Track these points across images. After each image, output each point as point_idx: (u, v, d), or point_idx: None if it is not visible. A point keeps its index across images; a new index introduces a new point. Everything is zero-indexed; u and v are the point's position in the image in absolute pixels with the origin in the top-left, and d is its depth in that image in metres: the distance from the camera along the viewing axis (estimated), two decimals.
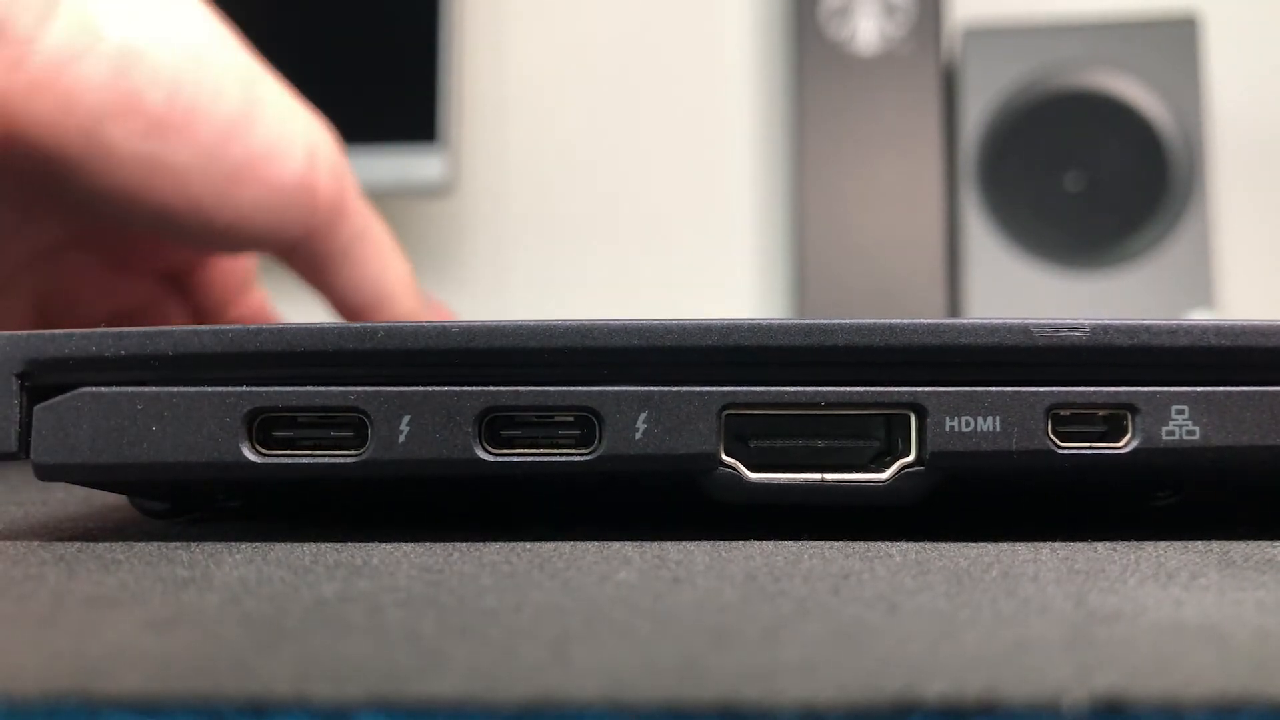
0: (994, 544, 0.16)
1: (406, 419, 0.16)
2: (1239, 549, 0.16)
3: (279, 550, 0.16)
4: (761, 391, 0.16)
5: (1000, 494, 0.18)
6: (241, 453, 0.16)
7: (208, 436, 0.16)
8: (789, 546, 0.16)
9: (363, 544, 0.16)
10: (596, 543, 0.17)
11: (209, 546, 0.16)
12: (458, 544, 0.16)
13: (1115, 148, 0.72)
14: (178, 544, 0.17)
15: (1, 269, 0.28)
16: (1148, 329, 0.16)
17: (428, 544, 0.17)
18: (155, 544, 0.17)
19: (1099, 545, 0.16)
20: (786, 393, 0.16)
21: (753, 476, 0.16)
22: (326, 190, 0.27)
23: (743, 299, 0.83)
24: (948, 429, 0.16)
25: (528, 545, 0.16)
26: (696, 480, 0.16)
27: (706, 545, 0.16)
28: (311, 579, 0.14)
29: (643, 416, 0.16)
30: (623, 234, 0.85)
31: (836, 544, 0.16)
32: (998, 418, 0.16)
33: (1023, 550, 0.16)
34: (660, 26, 0.86)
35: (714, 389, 0.16)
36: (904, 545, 0.16)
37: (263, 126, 0.26)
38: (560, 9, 0.86)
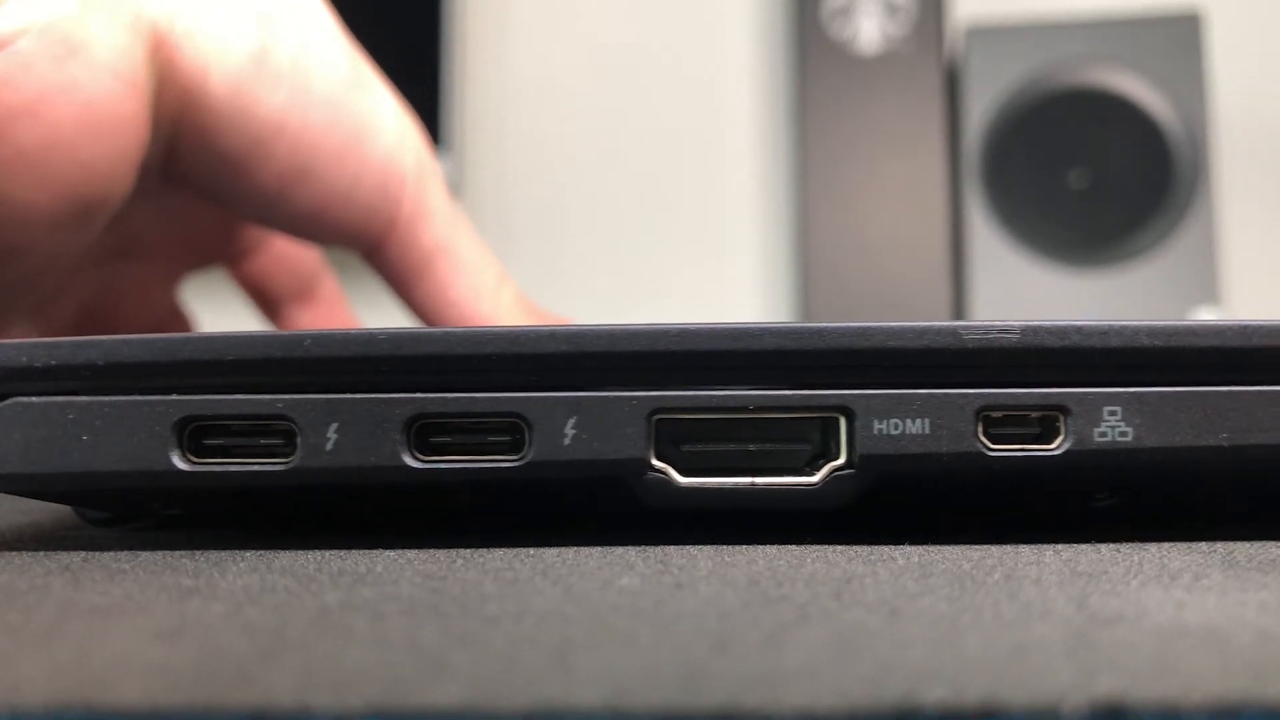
0: (997, 546, 0.16)
1: (334, 426, 0.16)
2: (1242, 549, 0.16)
3: (284, 558, 0.16)
4: (690, 395, 0.16)
5: (935, 497, 0.17)
6: (171, 461, 0.16)
7: (138, 445, 0.16)
8: (792, 550, 0.16)
9: (367, 551, 0.17)
10: (600, 548, 0.17)
11: (214, 555, 0.16)
12: (461, 550, 0.17)
13: (1119, 145, 0.72)
14: (182, 553, 0.17)
15: (61, 273, 0.27)
16: (1078, 330, 0.16)
17: (431, 550, 0.17)
18: (160, 553, 0.17)
19: (1102, 546, 0.16)
20: (715, 397, 0.16)
21: (683, 481, 0.16)
22: (413, 177, 0.27)
23: (747, 300, 0.83)
24: (876, 431, 0.16)
25: (531, 551, 0.16)
26: (627, 485, 0.16)
27: (709, 550, 0.16)
28: (315, 587, 0.14)
29: (571, 422, 0.16)
30: (627, 236, 0.85)
31: (839, 547, 0.16)
32: (927, 420, 0.16)
33: (1026, 552, 0.16)
34: (663, 29, 0.86)
35: (643, 393, 0.16)
36: (907, 548, 0.16)
37: (366, 98, 0.26)
38: (563, 13, 0.87)
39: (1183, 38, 0.72)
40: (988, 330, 0.16)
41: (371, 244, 0.27)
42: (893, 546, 0.16)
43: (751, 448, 0.16)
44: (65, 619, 0.12)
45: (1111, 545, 0.16)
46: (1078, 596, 0.13)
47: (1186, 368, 0.16)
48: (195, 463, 0.16)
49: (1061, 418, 0.16)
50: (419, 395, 0.16)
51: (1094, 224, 0.72)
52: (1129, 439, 0.16)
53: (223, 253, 0.32)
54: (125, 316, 0.31)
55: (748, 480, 0.16)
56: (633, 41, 0.86)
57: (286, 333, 0.16)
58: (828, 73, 0.78)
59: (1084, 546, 0.16)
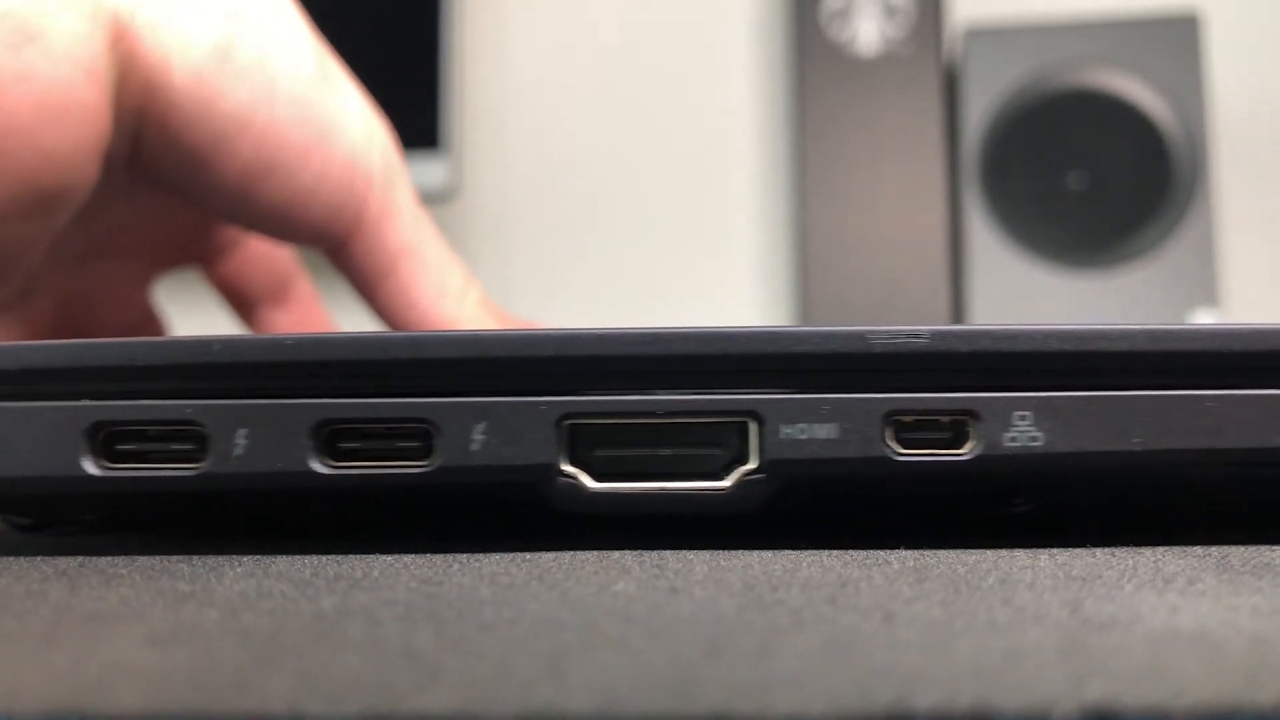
0: (992, 550, 0.16)
1: (243, 432, 0.16)
2: (1237, 553, 0.16)
3: (280, 563, 0.16)
4: (600, 400, 0.16)
5: (849, 501, 0.17)
6: (82, 467, 0.16)
7: (51, 451, 0.16)
8: (788, 554, 0.16)
9: (363, 555, 0.17)
10: (596, 552, 0.17)
11: (211, 560, 0.16)
12: (458, 555, 0.17)
13: (1118, 146, 0.72)
14: (179, 558, 0.17)
15: (40, 269, 0.28)
16: (988, 334, 0.16)
17: (428, 555, 0.17)
18: (158, 558, 0.17)
19: (1098, 551, 0.16)
20: (625, 401, 0.16)
21: (593, 486, 0.16)
22: (380, 176, 0.27)
23: (745, 302, 0.83)
24: (784, 436, 0.16)
25: (527, 556, 0.16)
26: (537, 490, 0.16)
27: (705, 555, 0.16)
28: (311, 592, 0.14)
29: (479, 427, 0.16)
30: (625, 239, 0.85)
31: (835, 551, 0.16)
32: (835, 425, 0.16)
33: (1021, 556, 0.16)
34: (661, 31, 0.86)
35: (552, 399, 0.16)
36: (903, 552, 0.16)
37: (333, 96, 0.26)
38: (561, 15, 0.87)
39: (1181, 39, 0.72)
40: (896, 335, 0.15)
41: (337, 243, 0.27)
42: (888, 551, 0.16)
43: (664, 453, 0.16)
44: (61, 625, 0.12)
45: (1107, 549, 0.16)
46: (1071, 601, 0.13)
47: (1098, 372, 0.16)
48: (107, 468, 0.16)
49: (971, 422, 0.16)
50: (326, 401, 0.16)
51: (1093, 225, 0.72)
52: (1040, 444, 0.16)
53: (196, 252, 0.32)
54: (101, 317, 0.31)
55: (658, 485, 0.16)
56: (631, 43, 0.86)
57: (195, 338, 0.16)
58: (826, 74, 0.78)
59: (1079, 550, 0.16)
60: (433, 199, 0.77)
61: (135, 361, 0.16)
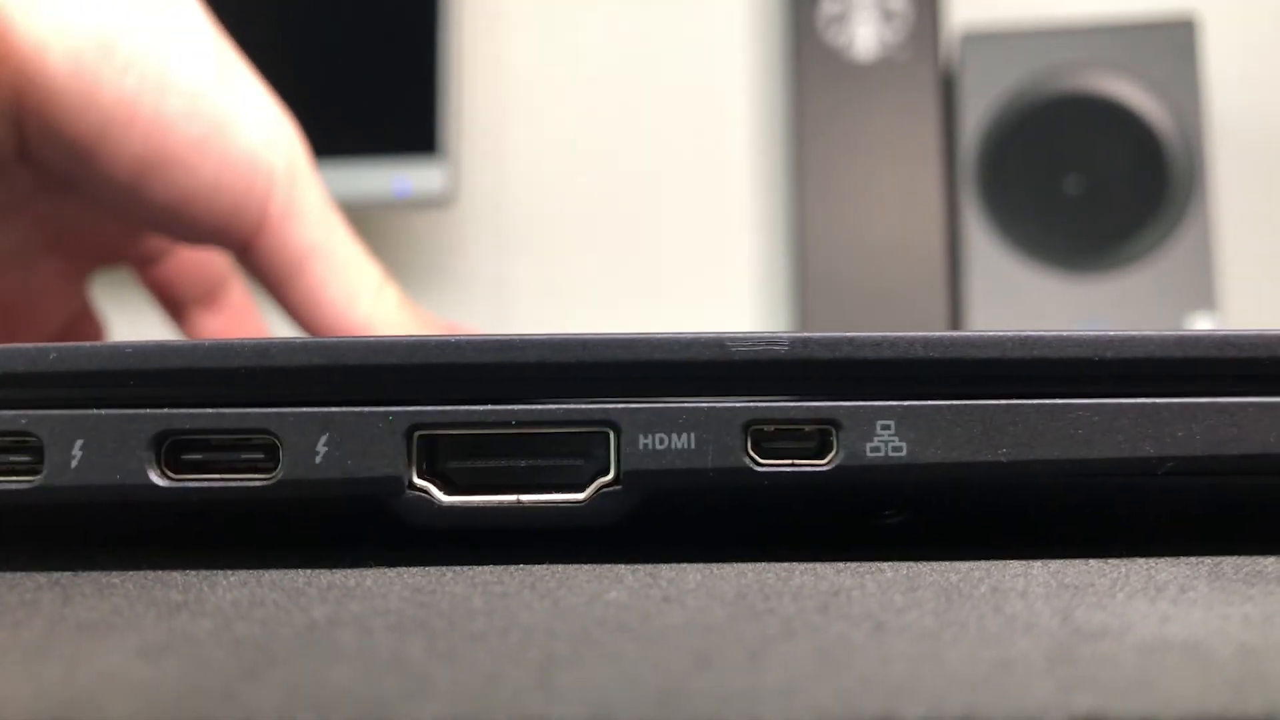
0: (986, 560, 0.16)
1: (79, 443, 0.15)
2: (1230, 562, 0.16)
3: (274, 572, 0.16)
4: (451, 411, 0.15)
5: (713, 514, 0.17)
6: None
7: None
8: (782, 563, 0.16)
9: (357, 565, 0.17)
10: (590, 565, 0.17)
11: (205, 569, 0.16)
12: (451, 565, 0.17)
13: (1115, 150, 0.72)
14: (174, 568, 0.17)
15: None
16: (850, 341, 0.15)
17: (422, 565, 0.17)
18: (152, 568, 0.17)
19: (1091, 559, 0.16)
20: (476, 412, 0.15)
21: (445, 499, 0.16)
22: (284, 175, 0.27)
23: (744, 307, 0.83)
24: (641, 447, 0.15)
25: (521, 566, 0.16)
26: (387, 505, 0.16)
27: (699, 564, 0.16)
28: (304, 601, 0.14)
29: (323, 439, 0.15)
30: (623, 243, 0.85)
31: (830, 559, 0.16)
32: (692, 434, 0.15)
33: (1015, 565, 0.16)
34: (659, 36, 0.86)
35: (401, 409, 0.15)
36: (896, 561, 0.16)
37: (231, 92, 0.26)
38: (559, 19, 0.87)
39: (1177, 43, 0.73)
40: (755, 342, 0.15)
41: (239, 243, 0.27)
42: (882, 559, 0.16)
43: (521, 465, 0.16)
44: (53, 635, 0.12)
45: (1100, 558, 0.16)
46: (1063, 610, 0.13)
47: (964, 380, 0.15)
48: None
49: (833, 432, 0.15)
50: (165, 411, 0.15)
51: (1090, 229, 0.72)
52: (903, 454, 0.15)
53: (126, 253, 0.32)
54: (40, 313, 0.30)
55: (513, 498, 0.16)
56: (629, 49, 0.86)
57: (31, 346, 0.16)
58: (824, 79, 0.78)
59: (1073, 559, 0.16)
60: (430, 205, 0.77)
61: None
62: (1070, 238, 0.72)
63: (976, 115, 0.75)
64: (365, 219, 0.79)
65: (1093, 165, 0.73)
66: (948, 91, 0.78)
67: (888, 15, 0.78)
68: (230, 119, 0.26)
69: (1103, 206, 0.72)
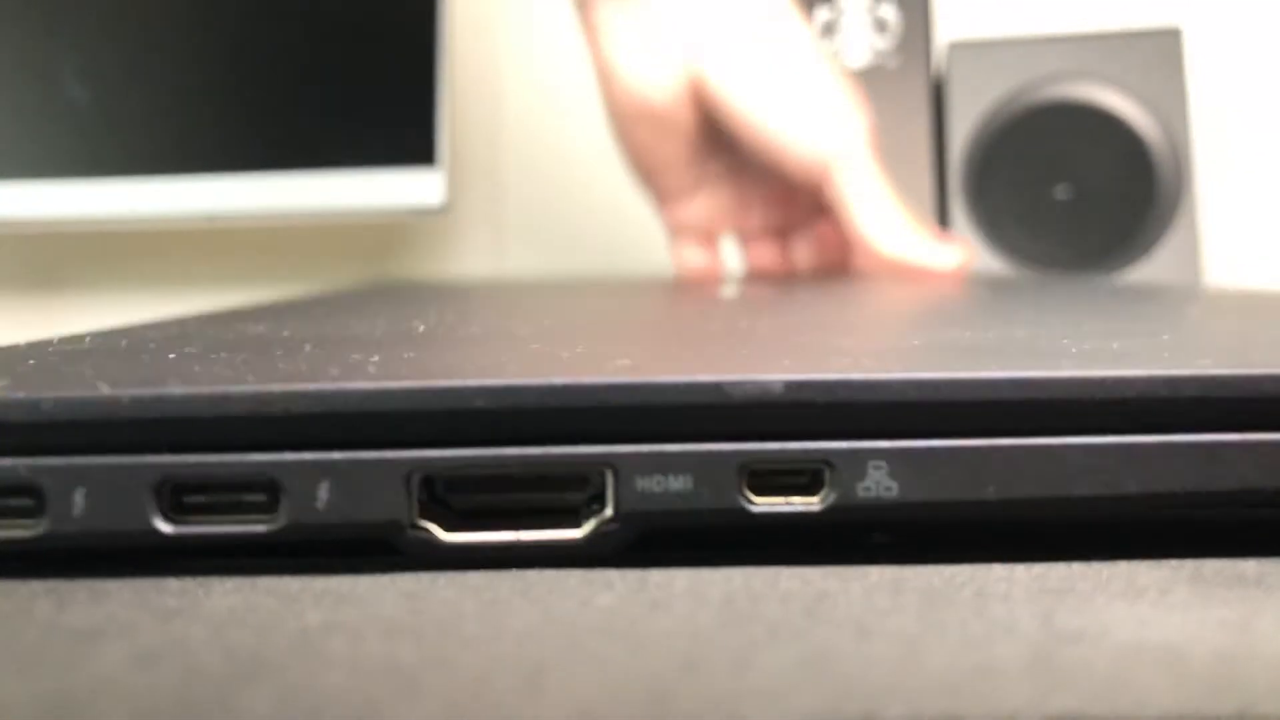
0: (969, 563, 0.17)
1: (81, 491, 0.16)
2: (1211, 565, 0.16)
3: (267, 579, 0.16)
4: (452, 455, 0.16)
5: (709, 546, 0.17)
6: None
7: None
8: (769, 567, 0.16)
9: (349, 571, 0.17)
10: (582, 568, 0.17)
11: (199, 576, 0.17)
12: (445, 570, 0.17)
13: (1102, 159, 0.73)
14: (168, 575, 0.17)
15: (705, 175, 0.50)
16: (845, 384, 0.16)
17: (416, 571, 0.17)
18: (149, 574, 0.17)
19: (1074, 563, 0.17)
20: (477, 456, 0.16)
21: (447, 538, 0.16)
22: (837, 155, 0.48)
23: None
24: (639, 488, 0.16)
25: (513, 571, 0.17)
26: (389, 544, 0.16)
27: (688, 569, 0.16)
28: (298, 608, 0.14)
29: (325, 485, 0.16)
30: (620, 255, 0.85)
31: (815, 564, 0.17)
32: (690, 475, 0.16)
33: (998, 569, 0.16)
34: None
35: (402, 454, 0.16)
36: (882, 565, 0.16)
37: (826, 74, 0.48)
38: (556, 29, 0.87)
39: (1164, 52, 0.73)
40: (751, 385, 0.15)
41: (817, 182, 0.49)
42: (867, 563, 0.17)
43: (522, 502, 0.16)
44: (49, 642, 0.12)
45: (1083, 560, 0.17)
46: (1043, 614, 0.13)
47: (952, 420, 0.16)
48: None
49: (826, 472, 0.16)
50: (166, 459, 0.16)
51: (1078, 237, 0.73)
52: (894, 493, 0.16)
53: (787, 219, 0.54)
54: (754, 211, 0.54)
55: (513, 535, 0.16)
56: None
57: (25, 396, 0.16)
58: None
59: (1056, 562, 0.17)
60: (429, 214, 0.77)
61: None
62: (1059, 245, 0.73)
63: (965, 123, 0.75)
64: (361, 229, 0.79)
65: (1081, 173, 0.73)
66: (938, 100, 0.79)
67: (879, 24, 0.79)
68: (796, 125, 0.47)
69: (1091, 214, 0.73)
